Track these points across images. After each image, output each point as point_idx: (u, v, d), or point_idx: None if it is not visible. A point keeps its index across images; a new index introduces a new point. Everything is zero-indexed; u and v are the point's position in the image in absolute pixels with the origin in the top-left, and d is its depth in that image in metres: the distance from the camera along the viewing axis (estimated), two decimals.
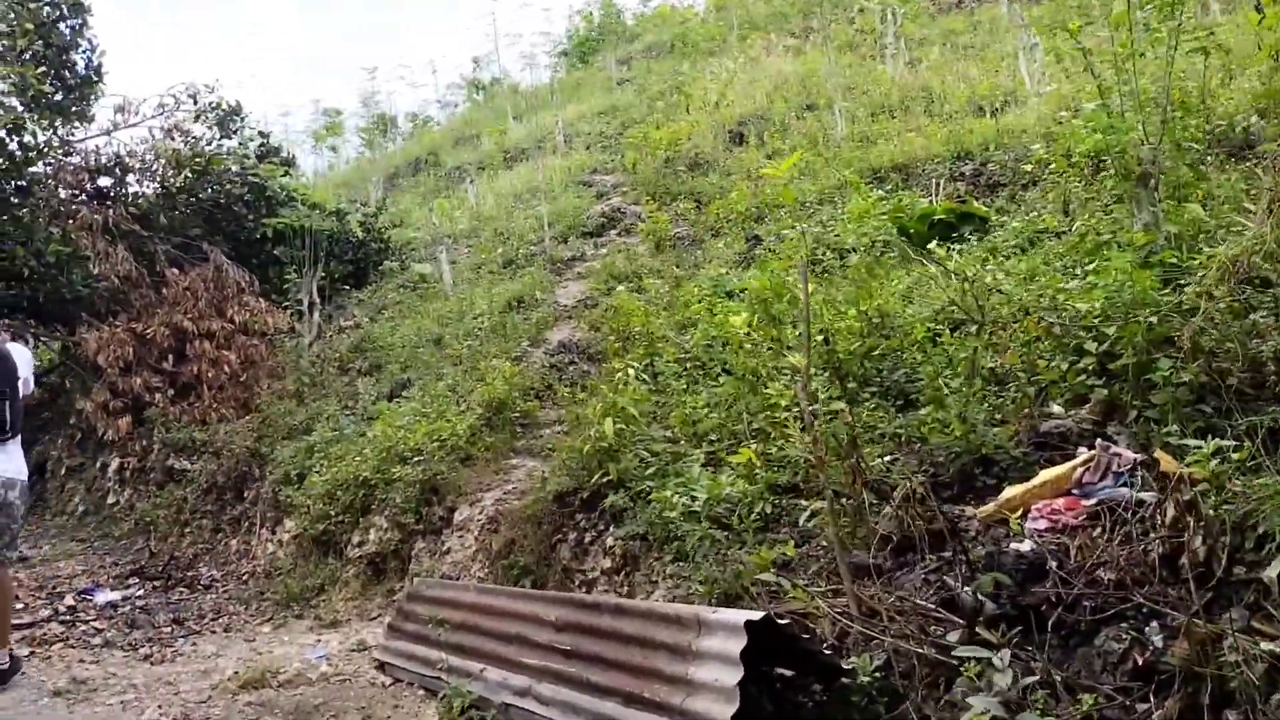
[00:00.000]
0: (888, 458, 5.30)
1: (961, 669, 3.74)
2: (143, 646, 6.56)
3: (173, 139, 12.59)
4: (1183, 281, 5.26)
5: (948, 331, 6.08)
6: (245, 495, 9.39)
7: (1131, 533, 4.10)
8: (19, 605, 7.43)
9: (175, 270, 11.51)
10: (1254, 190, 6.16)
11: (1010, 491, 4.64)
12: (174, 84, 13.49)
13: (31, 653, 6.31)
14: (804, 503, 5.13)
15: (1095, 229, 6.27)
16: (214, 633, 6.99)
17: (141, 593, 8.01)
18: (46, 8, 10.83)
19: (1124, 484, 4.38)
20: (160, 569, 8.59)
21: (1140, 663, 3.51)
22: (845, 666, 3.95)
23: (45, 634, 6.73)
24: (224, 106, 12.82)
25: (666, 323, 8.30)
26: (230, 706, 5.29)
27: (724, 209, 11.23)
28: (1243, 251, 5.01)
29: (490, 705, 4.82)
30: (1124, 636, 3.63)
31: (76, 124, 11.49)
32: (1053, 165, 8.25)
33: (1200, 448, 3.80)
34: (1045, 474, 4.61)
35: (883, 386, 6.14)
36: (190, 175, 12.37)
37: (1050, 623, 3.74)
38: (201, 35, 55.15)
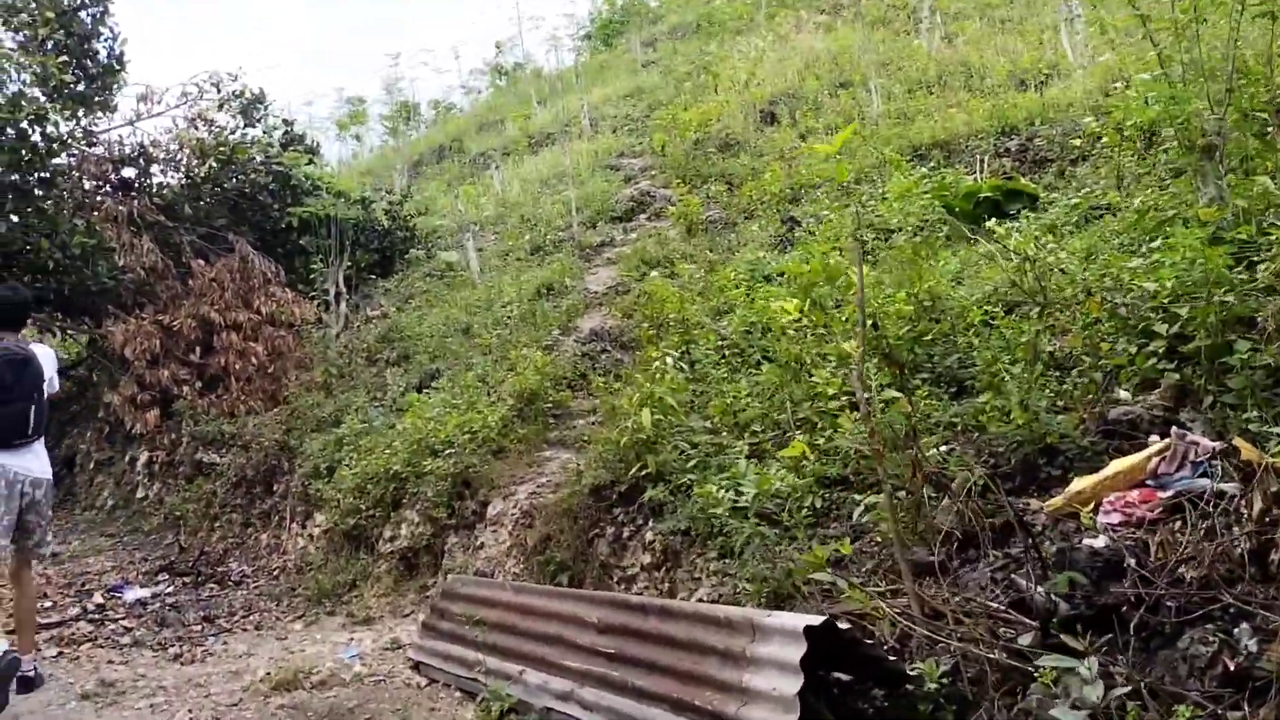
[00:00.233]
0: (943, 448, 5.04)
1: (1036, 675, 3.50)
2: (172, 646, 6.43)
3: (196, 128, 12.44)
4: (1256, 259, 4.95)
5: (1002, 314, 5.79)
6: (275, 489, 9.25)
7: (1215, 527, 3.83)
8: (47, 603, 7.33)
9: (201, 261, 11.37)
10: None
11: (1079, 483, 4.37)
12: (196, 73, 13.36)
13: (60, 653, 6.20)
14: (856, 497, 4.88)
15: (1157, 204, 5.94)
16: (245, 631, 6.84)
17: (171, 589, 7.88)
18: None
19: (1203, 474, 4.11)
20: (190, 564, 8.47)
21: (1231, 668, 3.25)
22: (910, 672, 3.71)
23: (74, 633, 6.62)
24: (247, 95, 12.65)
25: (702, 309, 8.05)
26: (262, 710, 5.12)
27: (757, 191, 10.93)
28: None
29: (530, 709, 4.63)
30: (1211, 639, 3.37)
31: (99, 114, 11.34)
32: (1105, 139, 7.91)
33: None
34: (1117, 464, 4.33)
35: (934, 373, 5.86)
36: (214, 165, 12.22)
37: (1132, 625, 3.48)
38: (207, 29, 55.18)
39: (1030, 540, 3.91)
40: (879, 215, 8.58)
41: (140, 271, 11.08)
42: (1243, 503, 3.82)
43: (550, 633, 4.79)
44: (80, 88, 10.79)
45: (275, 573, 8.29)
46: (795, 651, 3.48)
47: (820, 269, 4.37)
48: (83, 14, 10.96)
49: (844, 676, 4.11)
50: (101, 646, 6.40)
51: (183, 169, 12.38)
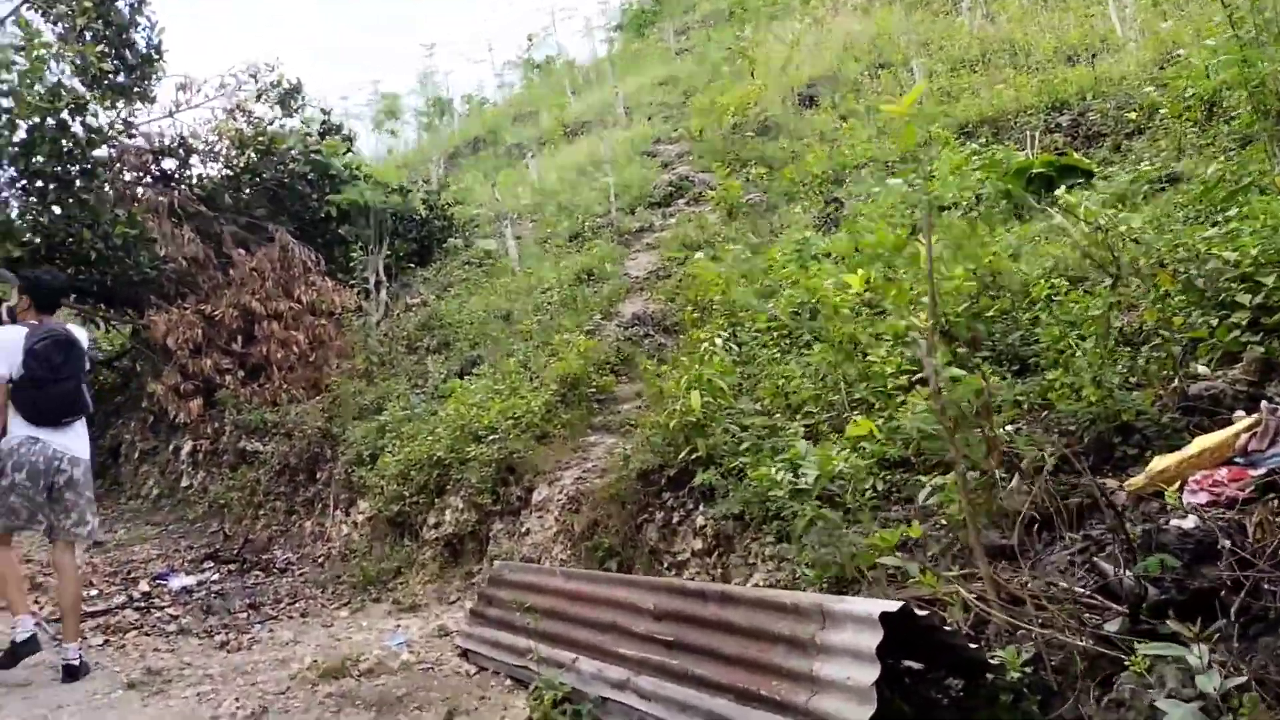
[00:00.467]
0: (1009, 427, 4.83)
1: (1127, 663, 3.30)
2: (218, 633, 6.36)
3: (235, 119, 12.45)
4: None
5: (1066, 288, 5.56)
6: (318, 476, 9.19)
7: None
8: (93, 591, 7.32)
9: (241, 251, 11.36)
10: None
11: (1160, 461, 4.15)
12: (234, 63, 13.33)
13: (106, 641, 6.15)
14: (921, 478, 4.69)
15: (1229, 172, 5.68)
16: (291, 618, 6.77)
17: (216, 577, 7.85)
18: None
19: None
20: (235, 552, 8.43)
21: None
22: (992, 661, 3.53)
23: (120, 621, 6.57)
24: (285, 85, 12.63)
25: (747, 291, 7.87)
26: (310, 698, 5.03)
27: (799, 173, 10.72)
28: None
29: (584, 698, 4.48)
30: None
31: (138, 105, 11.36)
32: (1165, 110, 7.63)
33: None
34: (1201, 441, 4.11)
35: (995, 351, 5.65)
36: (253, 155, 12.21)
37: (1232, 610, 3.27)
38: (219, 27, 55.56)
39: (1118, 521, 3.71)
40: (928, 194, 8.33)
41: (182, 261, 11.10)
42: None
43: (604, 620, 4.64)
44: (119, 79, 10.79)
45: (320, 560, 8.23)
46: (870, 639, 3.31)
47: (885, 239, 4.18)
48: (120, 4, 10.97)
49: (914, 665, 3.94)
50: (148, 634, 6.35)
51: (222, 159, 12.38)
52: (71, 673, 5.34)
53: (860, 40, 15.45)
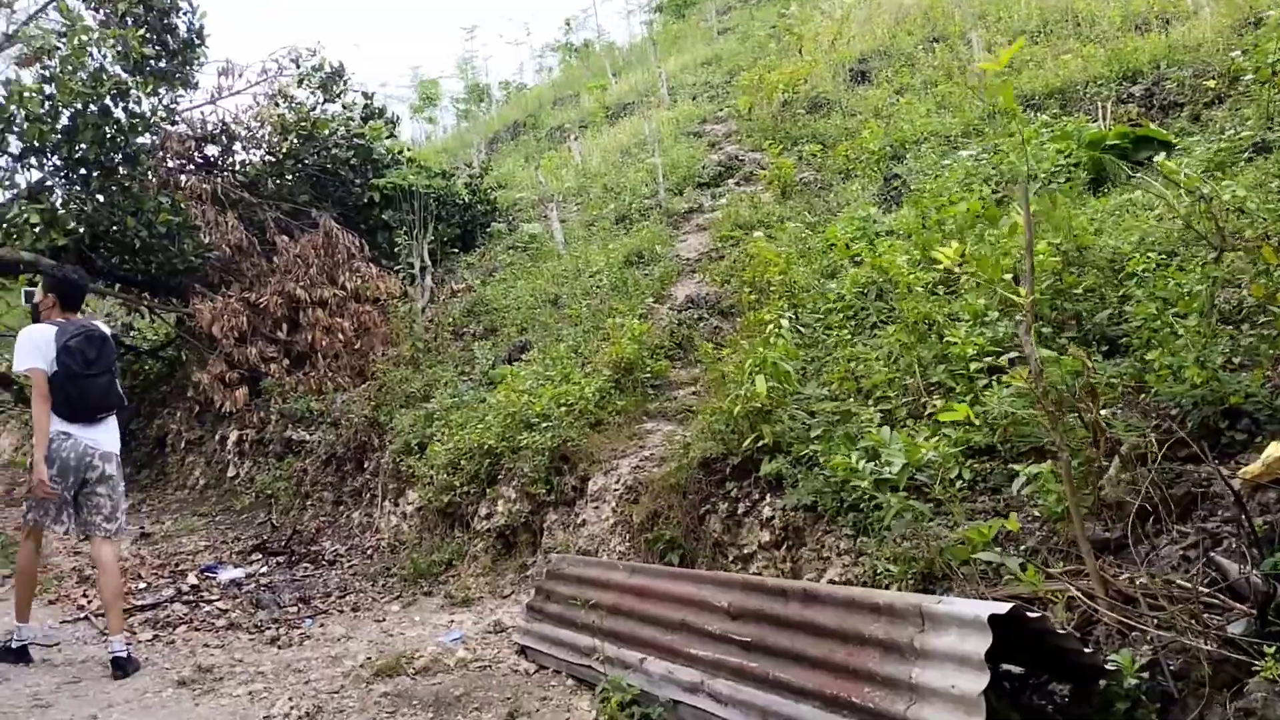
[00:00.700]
0: (1104, 411, 4.50)
1: (1256, 668, 3.00)
2: (269, 628, 6.20)
3: (277, 104, 12.30)
4: None
5: (1156, 263, 5.20)
6: (365, 466, 9.03)
7: None
8: (141, 584, 7.20)
9: (285, 238, 11.22)
10: None
11: (1277, 448, 3.81)
12: (275, 48, 13.19)
13: (155, 636, 6.02)
14: (1014, 467, 4.37)
15: None
16: (341, 612, 6.59)
17: (265, 569, 7.70)
18: None
19: None
20: (283, 544, 8.29)
21: None
22: (1106, 666, 3.23)
23: (169, 615, 6.44)
24: (326, 68, 12.46)
25: (807, 271, 7.56)
26: (365, 698, 4.84)
27: (854, 150, 10.36)
28: None
29: (654, 701, 4.25)
30: None
31: (180, 91, 11.23)
32: (1249, 76, 7.19)
33: None
34: None
35: (1081, 330, 5.31)
36: (296, 141, 12.06)
37: None
38: (259, 11, 55.69)
39: (1240, 512, 3.38)
40: (996, 168, 7.98)
41: (225, 249, 10.99)
42: None
43: (673, 618, 4.40)
44: (161, 64, 10.66)
45: (369, 552, 8.06)
46: (978, 643, 3.03)
47: (978, 208, 3.87)
48: None
49: (1015, 669, 3.65)
50: (197, 629, 6.21)
51: (264, 146, 12.25)
52: (120, 666, 5.25)
53: (913, 13, 14.98)
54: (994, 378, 5.00)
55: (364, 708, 4.71)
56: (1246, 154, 6.50)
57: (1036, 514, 4.29)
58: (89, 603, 6.70)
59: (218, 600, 6.83)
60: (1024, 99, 9.64)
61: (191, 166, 11.77)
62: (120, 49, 9.81)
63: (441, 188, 12.70)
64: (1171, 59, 9.17)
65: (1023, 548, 4.17)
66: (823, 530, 5.03)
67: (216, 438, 11.19)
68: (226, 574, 7.43)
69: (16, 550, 5.71)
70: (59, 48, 9.37)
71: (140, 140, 10.33)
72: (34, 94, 9.19)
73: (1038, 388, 3.65)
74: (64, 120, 9.41)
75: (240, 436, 10.63)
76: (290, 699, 4.82)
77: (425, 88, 31.19)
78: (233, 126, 12.01)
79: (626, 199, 12.35)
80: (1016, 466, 4.29)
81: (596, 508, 6.54)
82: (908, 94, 11.53)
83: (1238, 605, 3.29)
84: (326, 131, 12.27)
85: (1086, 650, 3.26)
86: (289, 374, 10.33)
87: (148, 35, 10.40)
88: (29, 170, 10.08)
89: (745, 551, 5.51)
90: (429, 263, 11.53)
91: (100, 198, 9.99)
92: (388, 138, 13.18)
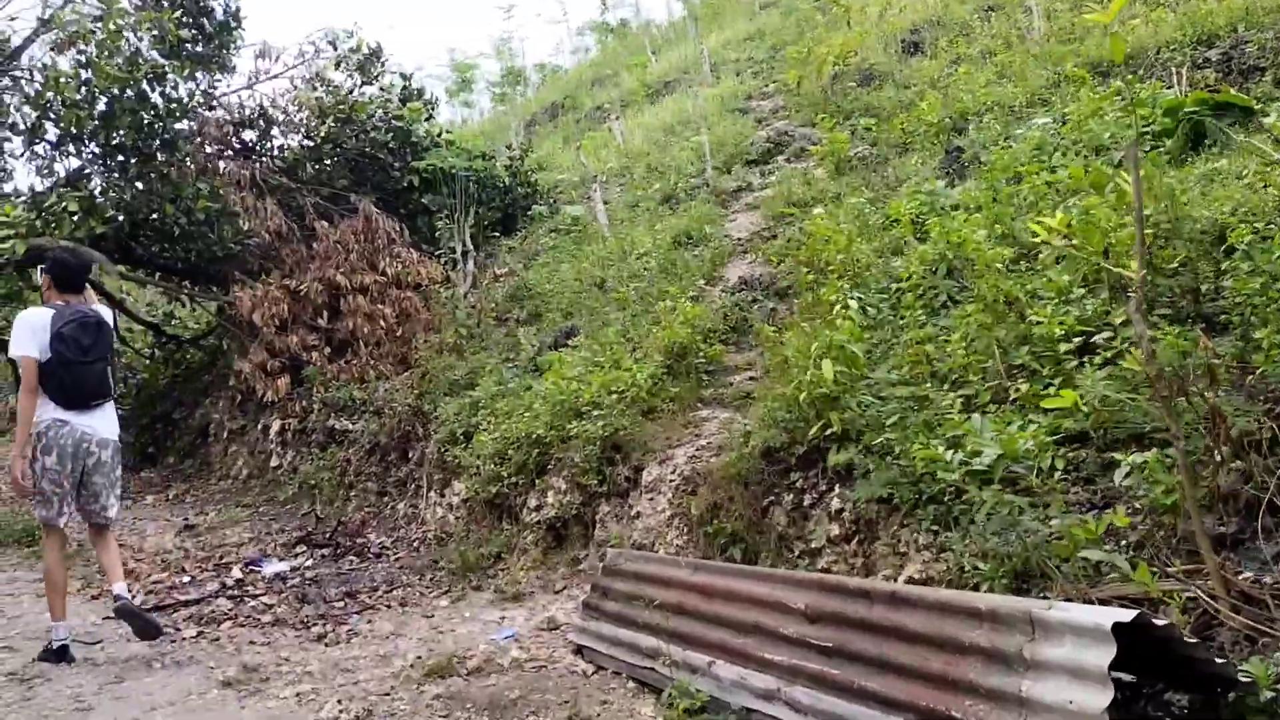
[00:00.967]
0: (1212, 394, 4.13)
1: None
2: (315, 624, 5.99)
3: (315, 88, 12.11)
4: None
5: (1250, 234, 4.80)
6: (410, 456, 8.82)
7: None
8: (185, 578, 7.04)
9: (324, 223, 11.03)
10: None
11: None
12: (311, 30, 13.00)
13: (200, 633, 5.83)
14: (1110, 456, 4.02)
15: None
16: (389, 607, 6.37)
17: (310, 562, 7.51)
18: None
19: None
20: (327, 536, 8.10)
21: None
22: (1241, 677, 2.89)
23: (213, 611, 6.25)
24: (364, 50, 12.24)
25: (868, 249, 7.20)
26: (416, 700, 4.60)
27: (911, 122, 9.94)
28: None
29: (725, 708, 3.96)
30: None
31: (218, 75, 11.06)
32: None
33: None
34: None
35: (1174, 307, 4.92)
36: (333, 125, 11.85)
37: None
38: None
39: None
40: (1065, 139, 7.54)
41: (265, 235, 10.82)
42: None
43: (743, 619, 4.10)
44: (198, 48, 10.48)
45: (415, 544, 7.84)
46: (1099, 655, 2.71)
47: (1079, 173, 3.52)
48: None
49: (1124, 676, 3.32)
50: (242, 625, 6.01)
51: (302, 130, 12.06)
52: (128, 614, 5.28)
53: None
54: (1084, 359, 4.64)
55: (416, 711, 4.47)
56: None
57: (1138, 506, 3.94)
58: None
59: (263, 595, 6.64)
60: (1090, 67, 9.16)
61: (229, 152, 11.61)
62: (157, 33, 9.65)
63: (481, 169, 12.44)
64: (1251, 21, 8.64)
65: (1124, 544, 3.82)
66: (898, 524, 4.70)
67: (259, 427, 11.05)
68: (271, 567, 7.25)
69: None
70: (95, 31, 9.20)
71: (178, 126, 10.18)
72: (70, 80, 9.04)
73: (1150, 369, 3.29)
74: (101, 106, 9.27)
75: (283, 426, 10.48)
76: (339, 701, 4.59)
77: (462, 70, 30.95)
78: (270, 111, 11.83)
79: (672, 178, 12.01)
80: (1116, 455, 3.94)
81: (651, 499, 6.26)
82: (965, 64, 11.06)
83: None
84: (365, 114, 12.06)
85: (1217, 659, 2.92)
86: (330, 362, 10.15)
87: (184, 18, 10.24)
88: (67, 158, 9.97)
89: (812, 546, 5.20)
90: (470, 247, 11.30)
91: (139, 185, 9.86)
92: (426, 119, 12.93)
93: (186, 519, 9.20)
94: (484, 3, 65.21)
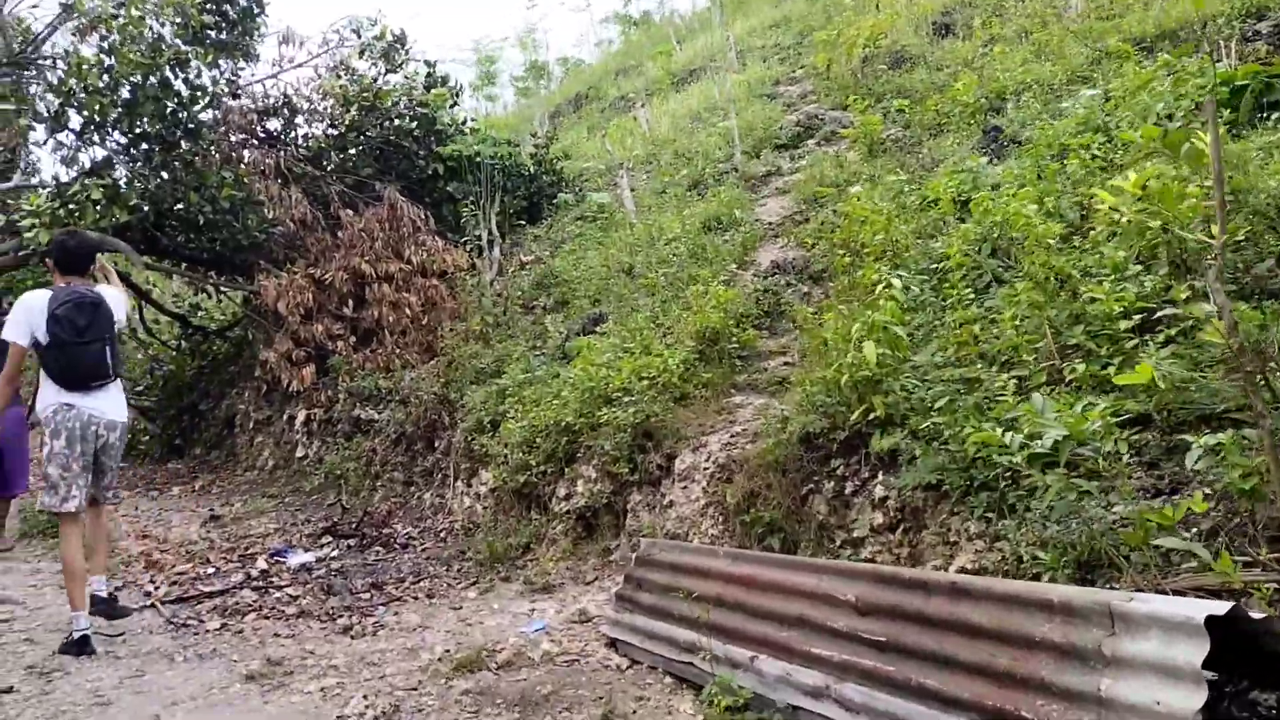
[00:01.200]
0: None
1: None
2: (341, 616, 5.84)
3: (339, 76, 11.97)
4: None
5: None
6: (436, 445, 8.66)
7: None
8: (210, 570, 6.92)
9: (349, 212, 10.88)
10: None
11: None
12: (335, 18, 12.87)
13: (224, 625, 5.69)
14: (1178, 438, 3.79)
15: None
16: (416, 599, 6.21)
17: (336, 553, 7.37)
18: None
19: None
20: (353, 526, 7.97)
21: None
22: None
23: (238, 603, 6.11)
24: (388, 37, 12.09)
25: (905, 229, 6.96)
26: (445, 695, 4.44)
27: (946, 103, 9.67)
28: None
29: (770, 705, 3.77)
30: None
31: (241, 62, 10.92)
32: None
33: None
34: None
35: (1237, 283, 4.66)
36: (358, 113, 11.71)
37: None
38: None
39: None
40: (1110, 115, 7.27)
41: (290, 224, 10.70)
42: None
43: (787, 612, 3.90)
44: (221, 35, 10.35)
45: (442, 534, 7.69)
46: (1190, 651, 2.50)
47: (1155, 133, 3.29)
48: None
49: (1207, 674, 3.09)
50: (267, 617, 5.87)
51: (327, 118, 11.93)
52: (97, 603, 5.44)
53: None
54: (1144, 338, 4.41)
55: (444, 707, 4.31)
56: None
57: (1209, 491, 3.70)
58: (156, 589, 6.43)
59: (288, 586, 6.50)
60: (1133, 42, 8.87)
61: (254, 141, 11.49)
62: (179, 19, 9.52)
63: (507, 156, 12.26)
64: None
65: (1195, 531, 3.59)
66: (948, 512, 4.48)
67: (284, 417, 10.94)
68: (296, 558, 7.12)
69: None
70: (117, 16, 9.09)
71: (202, 114, 10.06)
72: (93, 66, 8.93)
73: (1233, 342, 3.06)
74: (124, 93, 9.16)
75: (308, 416, 10.37)
76: (365, 696, 4.43)
77: (485, 63, 30.85)
78: (294, 99, 11.70)
79: (700, 164, 11.80)
80: (1186, 437, 3.70)
81: (685, 488, 6.07)
82: (999, 44, 10.77)
83: None
84: (389, 102, 11.91)
85: None
86: (356, 351, 10.01)
87: (206, 4, 10.10)
88: (91, 147, 9.88)
89: (855, 535, 4.99)
90: (496, 234, 11.12)
91: (163, 174, 9.75)
92: (451, 106, 12.76)
93: (212, 510, 9.09)
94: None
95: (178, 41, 9.57)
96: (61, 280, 5.33)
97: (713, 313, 7.12)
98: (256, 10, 10.64)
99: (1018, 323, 5.00)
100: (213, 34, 10.12)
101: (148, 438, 12.92)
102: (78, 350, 5.14)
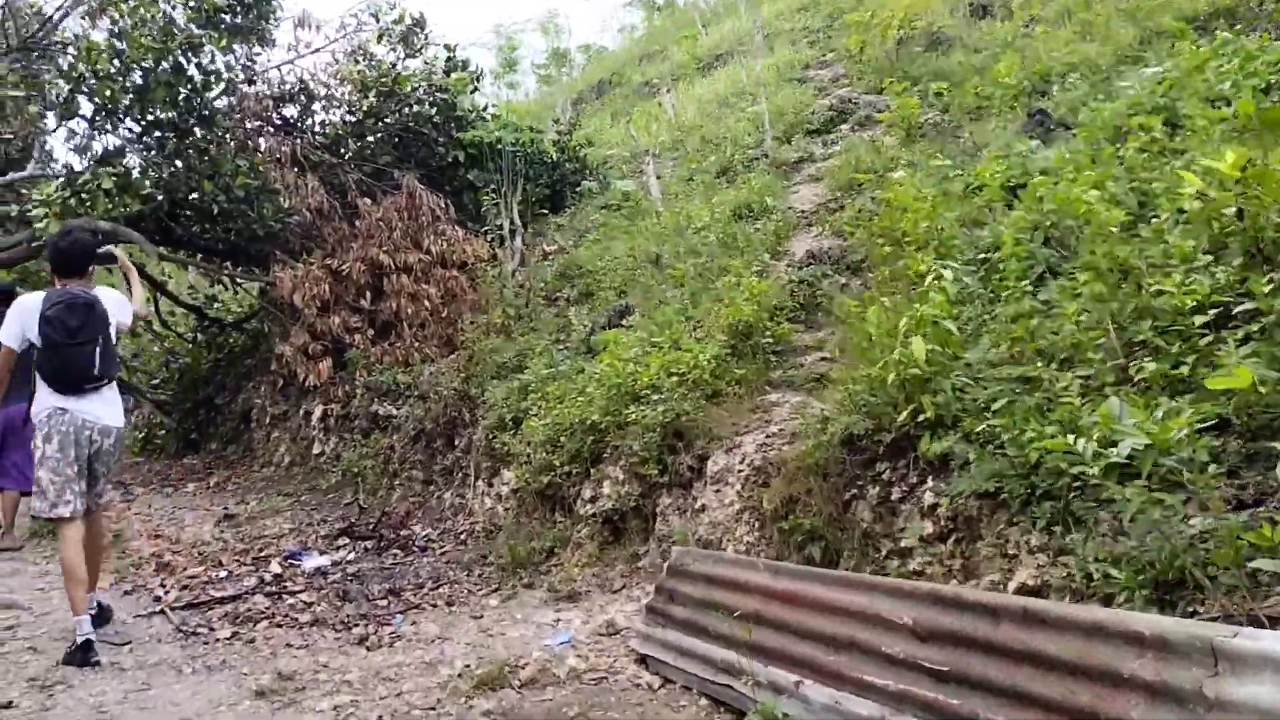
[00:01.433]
0: None
1: None
2: (356, 625, 5.57)
3: (357, 61, 11.69)
4: None
5: None
6: (456, 443, 8.38)
7: None
8: (223, 573, 6.68)
9: (367, 200, 10.62)
10: None
11: None
12: (354, 2, 12.58)
13: (234, 634, 5.43)
14: (1265, 445, 3.44)
15: None
16: (435, 606, 5.94)
17: (352, 556, 7.11)
18: None
19: None
20: (371, 527, 7.71)
21: None
22: None
23: (249, 609, 5.86)
24: (407, 21, 11.79)
25: (950, 217, 6.60)
26: (465, 715, 4.17)
27: (986, 86, 9.28)
28: None
29: None
30: None
31: (257, 47, 10.66)
32: None
33: None
34: None
35: None
36: (376, 99, 11.43)
37: None
38: None
39: None
40: (1163, 95, 6.87)
41: (306, 213, 10.44)
42: None
43: (837, 634, 3.58)
44: (235, 19, 10.08)
45: (462, 537, 7.42)
46: None
47: (1250, 108, 2.95)
48: None
49: None
50: (280, 625, 5.61)
51: (344, 105, 11.65)
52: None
53: None
54: (1218, 334, 4.05)
55: None
56: None
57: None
58: (166, 593, 6.19)
59: (302, 592, 6.24)
60: (1187, 19, 8.44)
61: (269, 128, 11.23)
62: (192, 2, 9.26)
63: (529, 142, 11.95)
64: None
65: None
66: (1005, 522, 4.14)
67: (301, 412, 10.70)
68: (311, 561, 6.86)
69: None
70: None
71: (216, 101, 9.81)
72: (103, 51, 8.68)
73: None
74: (136, 79, 8.91)
75: (325, 411, 10.12)
76: (380, 717, 4.17)
77: (506, 49, 30.56)
78: (311, 85, 11.43)
79: (728, 150, 11.44)
80: (1273, 444, 3.35)
81: (718, 491, 5.75)
82: (1041, 24, 10.35)
83: None
84: (408, 87, 11.62)
85: None
86: (374, 344, 9.76)
87: None
88: (104, 135, 9.65)
89: (902, 545, 4.65)
90: (518, 224, 10.82)
91: (177, 162, 9.51)
92: (472, 91, 12.46)
93: (226, 508, 8.87)
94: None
95: (191, 25, 9.32)
96: (59, 282, 5.18)
97: (745, 305, 6.79)
98: None
99: (1080, 318, 4.65)
100: (227, 18, 9.87)
101: (164, 432, 12.74)
102: (69, 351, 4.97)
